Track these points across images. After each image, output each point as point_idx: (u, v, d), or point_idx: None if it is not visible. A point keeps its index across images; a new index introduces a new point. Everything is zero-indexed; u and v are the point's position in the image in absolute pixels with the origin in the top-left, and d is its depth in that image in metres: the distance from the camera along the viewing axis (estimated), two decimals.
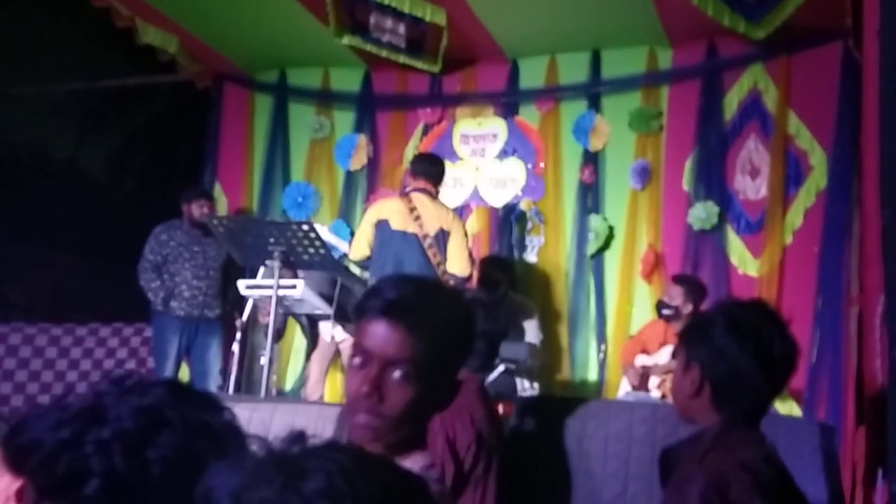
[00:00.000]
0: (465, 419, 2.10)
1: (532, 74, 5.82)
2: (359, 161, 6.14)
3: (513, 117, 5.87)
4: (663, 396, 4.34)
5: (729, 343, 1.62)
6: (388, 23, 5.34)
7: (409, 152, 5.91)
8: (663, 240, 5.36)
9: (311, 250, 4.02)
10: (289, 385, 5.99)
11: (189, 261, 5.23)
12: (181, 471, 0.87)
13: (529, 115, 5.84)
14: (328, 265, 4.40)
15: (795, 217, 5.06)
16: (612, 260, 5.47)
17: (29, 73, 6.86)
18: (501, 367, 4.33)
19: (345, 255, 5.06)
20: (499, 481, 2.07)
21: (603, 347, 5.32)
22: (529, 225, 5.72)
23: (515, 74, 5.87)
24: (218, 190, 6.40)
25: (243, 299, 4.73)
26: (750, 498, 1.45)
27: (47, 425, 0.92)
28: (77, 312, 5.97)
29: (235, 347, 4.70)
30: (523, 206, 5.73)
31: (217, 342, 5.32)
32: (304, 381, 5.46)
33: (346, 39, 5.39)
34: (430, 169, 4.48)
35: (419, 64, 5.59)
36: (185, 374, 5.51)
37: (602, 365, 5.32)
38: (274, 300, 3.98)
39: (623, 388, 4.72)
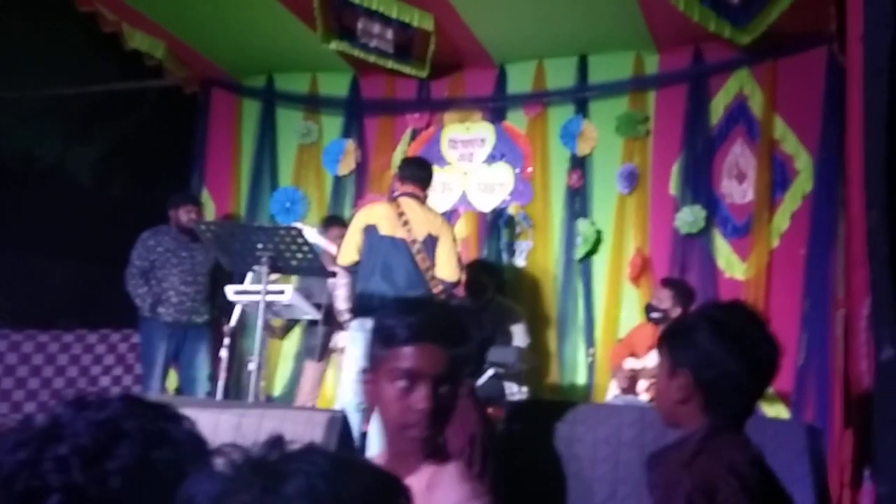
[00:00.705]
0: (455, 424, 2.11)
1: (519, 79, 5.84)
2: (347, 166, 6.13)
3: (500, 122, 5.89)
4: (652, 400, 4.35)
5: (715, 347, 1.62)
6: (376, 28, 5.35)
7: (397, 157, 5.91)
8: (651, 244, 5.38)
9: (300, 255, 4.02)
10: (277, 391, 5.97)
11: (177, 266, 5.21)
12: (142, 481, 0.88)
13: (517, 120, 5.85)
14: (316, 270, 4.39)
15: (782, 221, 5.10)
16: (600, 264, 5.49)
17: (15, 78, 6.83)
18: (490, 372, 4.33)
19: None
20: (492, 485, 2.07)
21: (591, 351, 5.33)
22: (518, 229, 5.73)
23: (503, 79, 5.89)
24: (205, 195, 6.38)
25: (231, 305, 4.71)
26: (737, 502, 1.46)
27: (5, 448, 0.92)
28: (64, 318, 5.94)
29: (223, 353, 4.69)
30: (511, 210, 5.74)
31: (205, 348, 5.29)
32: (297, 389, 5.45)
33: (334, 44, 5.39)
34: (419, 173, 4.48)
35: (407, 69, 5.60)
36: (173, 380, 5.49)
37: (591, 368, 5.33)
38: (262, 305, 3.97)
39: (612, 392, 4.73)
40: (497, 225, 5.76)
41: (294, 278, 5.25)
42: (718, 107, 5.31)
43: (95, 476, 0.89)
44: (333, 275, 5.05)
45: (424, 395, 1.44)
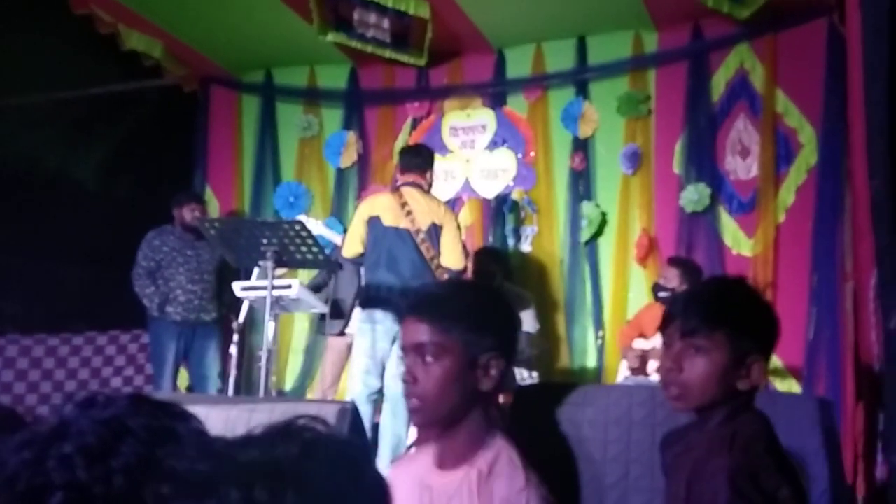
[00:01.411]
0: None
1: (518, 63, 5.81)
2: (349, 158, 6.12)
3: (501, 107, 5.86)
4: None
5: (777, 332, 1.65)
6: (372, 18, 5.33)
7: (399, 147, 5.89)
8: (656, 224, 5.35)
9: (304, 249, 4.02)
10: (288, 385, 5.99)
11: (183, 265, 5.22)
12: (146, 478, 0.88)
13: (517, 105, 5.83)
14: (321, 264, 4.39)
15: (787, 195, 5.06)
16: (606, 246, 5.47)
17: (13, 84, 6.83)
18: None
19: (337, 248, 5.05)
20: None
21: (600, 333, 5.32)
22: (522, 214, 5.71)
23: (502, 64, 5.86)
24: (209, 193, 6.38)
25: (239, 301, 4.72)
26: (778, 483, 1.44)
27: (11, 447, 0.92)
28: (73, 322, 5.96)
29: (233, 350, 4.70)
30: (515, 195, 5.72)
31: (215, 345, 5.31)
32: (320, 382, 5.43)
33: (331, 36, 5.38)
34: (415, 160, 4.46)
35: (405, 58, 5.58)
36: (184, 378, 5.50)
37: (600, 351, 5.33)
38: (268, 301, 3.97)
39: (622, 373, 4.72)
40: (501, 211, 5.75)
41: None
42: (720, 83, 5.28)
43: (100, 474, 0.88)
44: (340, 267, 5.05)
45: (405, 368, 1.49)
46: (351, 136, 6.13)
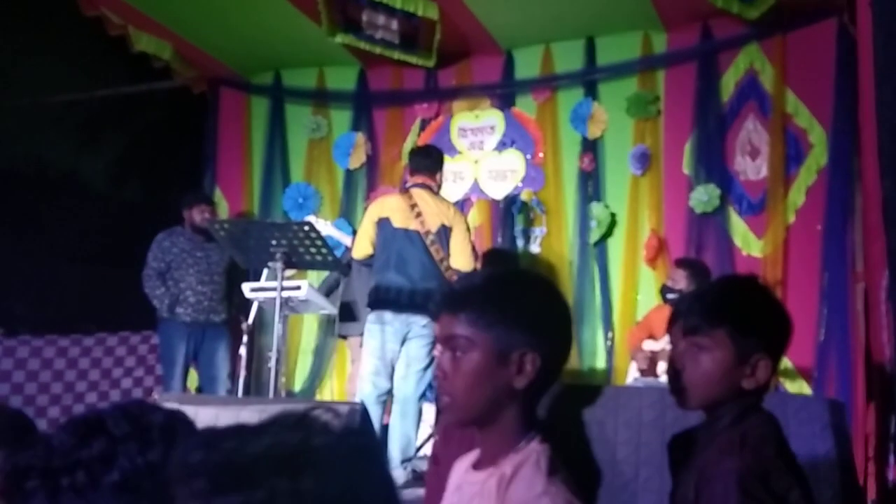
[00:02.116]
0: None
1: (527, 64, 5.81)
2: (357, 159, 6.13)
3: (510, 108, 5.86)
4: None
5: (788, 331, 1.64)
6: (381, 19, 5.33)
7: (408, 148, 5.90)
8: (666, 225, 5.34)
9: (313, 250, 4.02)
10: (298, 386, 6.00)
11: (193, 266, 5.23)
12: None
13: (526, 106, 5.82)
14: (330, 265, 4.40)
15: (797, 196, 5.04)
16: (616, 247, 5.46)
17: (24, 86, 6.87)
18: None
19: (347, 249, 5.06)
20: None
21: (610, 335, 5.31)
22: (531, 216, 5.71)
23: (510, 65, 5.86)
24: (218, 194, 6.40)
25: (248, 302, 4.73)
26: (788, 485, 1.43)
27: (77, 439, 1.02)
28: (84, 323, 5.98)
29: (243, 351, 4.71)
30: (524, 196, 5.72)
31: (224, 346, 5.31)
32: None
33: (340, 38, 5.38)
34: (425, 161, 4.46)
35: (413, 59, 5.58)
36: (193, 379, 5.52)
37: (610, 352, 5.32)
38: (278, 301, 3.98)
39: (631, 375, 4.71)
40: (510, 212, 5.74)
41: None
42: (729, 83, 5.26)
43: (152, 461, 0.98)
44: (349, 268, 5.06)
45: (438, 361, 1.43)
46: (360, 137, 6.14)
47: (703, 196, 5.15)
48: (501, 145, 5.84)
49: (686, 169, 5.31)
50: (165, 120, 7.75)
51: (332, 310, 4.99)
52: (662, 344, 4.55)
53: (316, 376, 5.98)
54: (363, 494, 0.81)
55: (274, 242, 3.99)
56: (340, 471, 0.79)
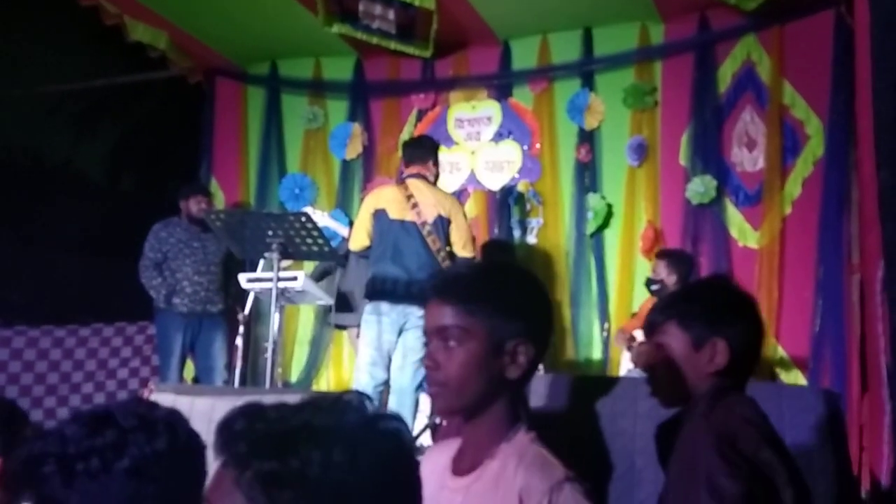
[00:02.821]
0: None
1: (524, 55, 5.79)
2: (354, 150, 6.12)
3: (506, 99, 5.85)
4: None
5: (755, 318, 1.69)
6: (378, 9, 5.31)
7: (404, 139, 5.89)
8: (662, 216, 5.34)
9: (309, 241, 4.02)
10: (294, 376, 6.00)
11: (189, 257, 5.23)
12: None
13: (523, 97, 5.81)
14: (326, 255, 4.40)
15: (794, 187, 5.04)
16: (612, 238, 5.46)
17: (19, 77, 6.84)
18: None
19: (344, 240, 5.05)
20: None
21: (606, 326, 5.32)
22: (528, 207, 5.70)
23: (507, 56, 5.84)
24: (214, 185, 6.38)
25: (245, 293, 4.73)
26: (756, 447, 1.47)
27: (87, 430, 1.08)
28: (80, 313, 5.98)
29: (239, 341, 4.71)
30: (521, 187, 5.72)
31: (221, 337, 5.31)
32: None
33: (336, 28, 5.36)
34: (417, 152, 4.45)
35: (410, 49, 5.56)
36: (190, 370, 5.52)
37: (606, 343, 5.32)
38: (274, 292, 3.98)
39: (624, 366, 4.72)
40: (507, 203, 5.74)
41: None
42: (726, 74, 5.25)
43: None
44: (345, 259, 5.06)
45: (427, 352, 1.42)
46: (356, 127, 6.12)
47: (700, 187, 5.15)
48: (498, 136, 5.84)
49: (683, 160, 5.31)
50: (161, 110, 7.74)
51: (328, 300, 4.99)
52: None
53: (312, 367, 5.98)
54: (390, 472, 0.86)
55: (270, 233, 3.98)
56: (370, 448, 0.84)
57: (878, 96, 1.32)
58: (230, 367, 5.24)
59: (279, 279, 4.07)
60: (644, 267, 5.32)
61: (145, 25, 5.66)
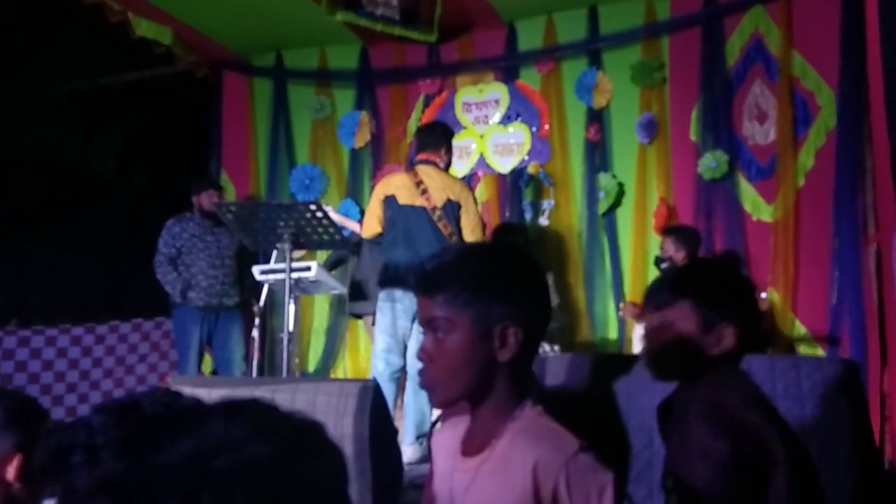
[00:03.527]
0: None
1: (530, 36, 5.76)
2: (362, 138, 6.11)
3: (514, 81, 5.82)
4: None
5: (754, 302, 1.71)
6: None
7: (412, 125, 5.87)
8: (674, 192, 5.31)
9: (321, 230, 4.02)
10: (312, 366, 6.02)
11: (203, 251, 5.24)
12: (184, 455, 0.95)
13: (530, 78, 5.78)
14: (338, 244, 4.40)
15: (807, 159, 5.00)
16: (625, 217, 5.43)
17: (26, 77, 6.87)
18: None
19: (354, 232, 5.06)
20: None
21: (621, 305, 5.30)
22: (538, 189, 5.68)
23: (513, 37, 5.81)
24: (224, 178, 6.39)
25: (260, 285, 4.74)
26: (743, 411, 1.49)
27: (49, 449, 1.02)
28: (96, 311, 6.02)
29: (255, 333, 4.73)
30: (531, 170, 5.69)
31: (238, 329, 5.34)
32: None
33: (340, 16, 5.34)
34: (428, 138, 4.44)
35: (415, 35, 5.54)
36: (208, 364, 5.55)
37: (621, 322, 5.30)
38: (287, 283, 3.98)
39: (638, 344, 4.71)
40: (517, 186, 5.72)
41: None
42: (734, 47, 5.20)
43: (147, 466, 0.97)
44: (357, 247, 5.06)
45: (421, 344, 1.41)
46: (364, 115, 6.11)
47: (712, 162, 5.11)
48: (506, 119, 5.81)
49: (693, 136, 5.27)
50: (169, 106, 7.74)
51: (342, 290, 4.99)
52: None
53: (329, 356, 6.00)
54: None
55: (281, 223, 3.98)
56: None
57: (890, 57, 1.29)
58: (247, 359, 5.27)
59: (292, 269, 4.07)
60: (657, 245, 5.28)
61: (149, 21, 5.65)
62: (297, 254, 4.85)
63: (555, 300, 4.96)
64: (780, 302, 4.88)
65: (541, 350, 4.64)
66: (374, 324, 4.48)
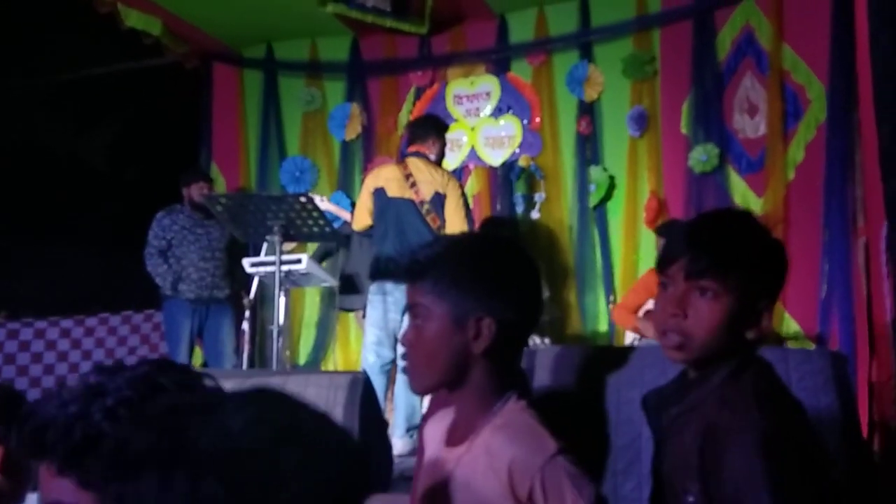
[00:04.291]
0: None
1: (521, 28, 5.75)
2: (353, 130, 6.09)
3: (505, 74, 5.81)
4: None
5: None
6: None
7: (403, 117, 5.87)
8: (665, 185, 5.32)
9: (310, 222, 4.01)
10: (302, 359, 6.01)
11: (194, 243, 5.23)
12: (180, 425, 0.94)
13: (521, 70, 5.77)
14: (328, 236, 4.39)
15: (797, 152, 5.01)
16: (615, 210, 5.44)
17: (16, 67, 6.82)
18: None
19: (345, 223, 5.05)
20: None
21: (611, 298, 5.31)
22: (529, 181, 5.68)
23: (504, 30, 5.80)
24: (215, 170, 6.36)
25: (251, 278, 4.73)
26: (812, 440, 1.34)
27: (54, 406, 1.04)
28: (86, 303, 5.99)
29: (245, 326, 4.72)
30: (522, 162, 5.69)
31: (229, 322, 5.33)
32: None
33: (331, 7, 5.32)
34: (419, 131, 4.44)
35: (406, 26, 5.52)
36: (198, 356, 5.53)
37: (611, 315, 5.31)
38: (277, 275, 3.98)
39: (629, 337, 4.72)
40: (508, 179, 5.72)
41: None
42: (725, 41, 5.20)
43: (141, 422, 1.00)
44: (348, 239, 5.05)
45: (404, 331, 1.44)
46: (354, 107, 6.09)
47: (702, 156, 5.12)
48: (497, 111, 5.80)
49: (684, 129, 5.27)
50: (159, 97, 7.70)
51: (333, 282, 4.98)
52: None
53: (320, 348, 5.99)
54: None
55: (271, 215, 3.97)
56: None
57: (878, 50, 1.29)
58: (238, 351, 5.26)
59: (283, 262, 4.07)
60: (648, 238, 5.30)
61: (139, 12, 5.61)
62: (288, 246, 4.83)
63: (545, 293, 4.96)
64: None
65: (530, 343, 4.67)
66: (364, 316, 4.48)
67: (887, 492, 2.29)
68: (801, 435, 1.32)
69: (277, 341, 4.01)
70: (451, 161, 5.69)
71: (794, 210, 4.97)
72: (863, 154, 3.64)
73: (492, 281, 1.39)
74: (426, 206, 4.19)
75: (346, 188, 6.05)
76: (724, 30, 5.21)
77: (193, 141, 6.57)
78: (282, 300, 4.17)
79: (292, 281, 4.66)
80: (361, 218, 4.37)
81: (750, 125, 5.14)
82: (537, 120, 5.68)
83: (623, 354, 2.39)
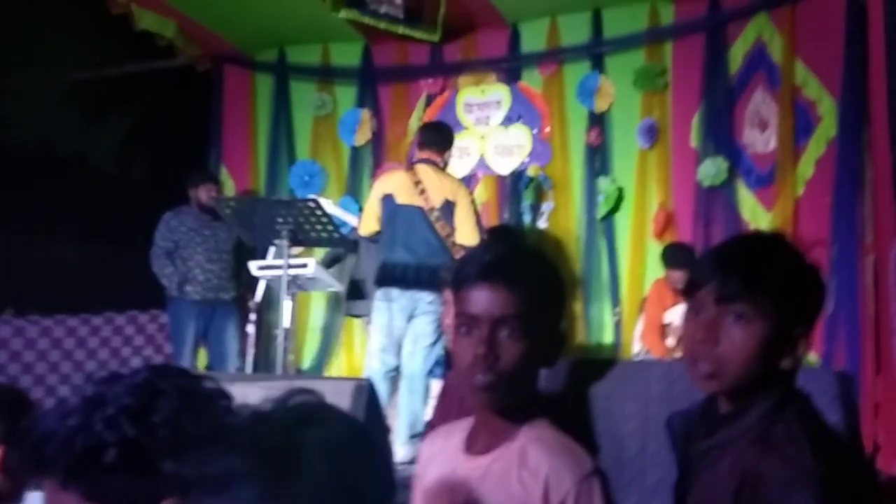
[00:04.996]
0: None
1: (533, 38, 5.76)
2: (363, 136, 6.10)
3: (516, 83, 5.81)
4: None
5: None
6: None
7: (413, 124, 5.87)
8: (674, 198, 5.31)
9: (319, 227, 4.02)
10: (307, 363, 6.01)
11: (201, 245, 5.24)
12: (185, 430, 0.94)
13: (532, 80, 5.78)
14: (336, 241, 4.40)
15: (806, 168, 5.00)
16: (623, 221, 5.43)
17: (29, 67, 6.86)
18: None
19: (353, 230, 5.05)
20: None
21: (617, 310, 5.30)
22: (538, 191, 5.68)
23: (516, 39, 5.80)
24: (224, 173, 6.39)
25: (257, 280, 4.74)
26: (862, 478, 1.31)
27: (54, 419, 1.03)
28: (92, 302, 6.00)
29: (250, 329, 4.72)
30: (531, 172, 5.69)
31: (234, 324, 5.33)
32: None
33: (344, 13, 5.34)
34: (434, 137, 4.44)
35: (418, 34, 5.53)
36: (202, 358, 5.54)
37: (617, 327, 5.31)
38: (284, 279, 3.98)
39: (635, 348, 4.71)
40: (517, 188, 5.72)
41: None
42: (737, 54, 5.20)
43: (144, 429, 1.00)
44: (356, 245, 5.06)
45: (480, 339, 1.29)
46: (365, 113, 6.10)
47: (712, 169, 5.11)
48: (508, 120, 5.80)
49: (694, 142, 5.27)
50: (170, 99, 7.73)
51: (339, 287, 4.99)
52: (671, 317, 4.53)
53: (324, 353, 6.00)
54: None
55: (279, 220, 3.98)
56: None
57: (893, 72, 1.29)
58: (242, 354, 5.26)
59: (290, 266, 4.07)
60: (656, 250, 5.28)
61: (153, 14, 5.65)
62: (295, 250, 4.84)
63: None
64: None
65: None
66: (369, 322, 4.48)
67: None
68: (855, 477, 1.27)
69: (283, 345, 4.01)
70: (460, 169, 5.69)
71: (803, 225, 4.95)
72: (874, 173, 3.63)
73: (563, 294, 1.42)
74: (435, 214, 4.19)
75: (354, 193, 6.05)
76: (736, 44, 5.21)
77: (203, 143, 6.59)
78: (287, 304, 4.18)
79: (298, 285, 4.66)
80: (368, 224, 4.38)
81: (760, 140, 5.13)
82: (547, 130, 5.69)
83: (629, 368, 2.39)
